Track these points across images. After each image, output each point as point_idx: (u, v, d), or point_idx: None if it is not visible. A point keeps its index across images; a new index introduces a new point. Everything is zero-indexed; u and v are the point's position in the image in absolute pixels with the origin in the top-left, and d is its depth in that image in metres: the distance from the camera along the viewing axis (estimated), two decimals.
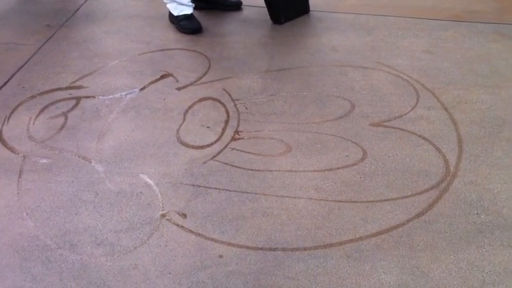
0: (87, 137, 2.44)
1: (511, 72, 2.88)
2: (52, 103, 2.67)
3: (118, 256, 1.86)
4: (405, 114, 2.56)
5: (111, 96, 2.71)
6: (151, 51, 3.13)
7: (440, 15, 3.53)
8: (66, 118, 2.55)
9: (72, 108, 2.63)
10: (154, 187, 2.15)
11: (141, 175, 2.21)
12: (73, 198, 2.10)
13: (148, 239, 1.92)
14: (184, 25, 3.31)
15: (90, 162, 2.29)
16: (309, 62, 3.02)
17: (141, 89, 2.77)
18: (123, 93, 2.73)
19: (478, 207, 2.04)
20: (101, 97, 2.71)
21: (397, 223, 1.98)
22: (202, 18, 3.43)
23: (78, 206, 2.07)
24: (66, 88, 2.79)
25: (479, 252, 1.86)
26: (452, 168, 2.22)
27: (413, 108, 2.60)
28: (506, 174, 2.19)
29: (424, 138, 2.40)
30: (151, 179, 2.19)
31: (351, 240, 1.91)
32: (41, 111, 2.61)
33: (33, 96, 2.72)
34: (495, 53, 3.08)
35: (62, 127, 2.50)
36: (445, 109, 2.59)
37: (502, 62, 2.98)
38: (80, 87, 2.80)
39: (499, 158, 2.28)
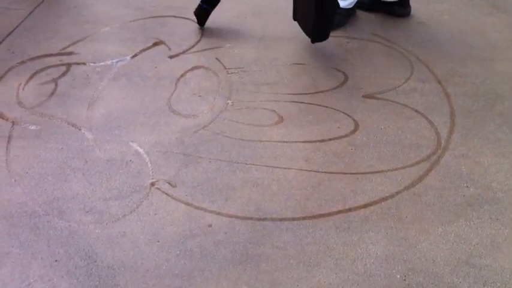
0: (77, 104, 2.41)
1: (505, 45, 2.86)
2: (42, 69, 2.63)
3: (107, 224, 1.86)
4: (399, 87, 2.54)
5: (102, 63, 2.68)
6: (144, 18, 3.09)
7: None
8: (56, 84, 2.52)
9: (63, 74, 2.60)
10: (145, 155, 2.14)
11: (131, 143, 2.19)
12: (62, 165, 2.09)
13: (137, 207, 1.92)
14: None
15: (80, 129, 2.27)
16: (302, 32, 2.98)
17: (133, 57, 2.73)
18: (114, 61, 2.70)
19: (468, 180, 2.04)
20: (91, 64, 2.68)
21: (387, 195, 1.98)
22: None
23: (67, 173, 2.06)
24: (57, 54, 2.75)
25: (467, 225, 1.87)
26: (443, 142, 2.22)
27: (407, 81, 2.58)
28: (497, 148, 2.19)
29: (416, 111, 2.39)
30: (141, 147, 2.17)
31: (340, 211, 1.91)
32: (31, 77, 2.58)
33: (23, 62, 2.69)
34: (490, 26, 3.06)
35: (52, 93, 2.47)
36: (439, 82, 2.57)
37: (496, 35, 2.96)
38: (70, 53, 2.77)
39: (491, 132, 2.27)
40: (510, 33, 2.98)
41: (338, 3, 2.57)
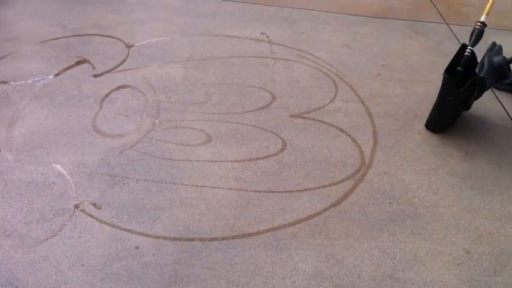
0: None
1: (424, 67, 3.01)
2: None
3: (28, 248, 1.78)
4: (324, 107, 2.61)
5: (23, 82, 2.58)
6: (67, 36, 3.01)
7: (360, 11, 3.63)
8: None
9: None
10: (68, 177, 2.07)
11: (53, 164, 2.12)
12: None
13: (60, 231, 1.85)
14: None
15: None
16: (231, 52, 3.01)
17: (56, 75, 2.65)
18: (36, 79, 2.61)
19: (391, 196, 2.11)
20: (12, 83, 2.58)
21: (314, 212, 2.01)
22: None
23: None
24: None
25: (390, 240, 1.93)
26: (367, 159, 2.29)
27: (332, 101, 2.65)
28: (417, 165, 2.28)
29: (341, 130, 2.45)
30: (64, 169, 2.10)
31: (268, 230, 1.92)
32: None
33: None
34: (410, 49, 3.20)
35: None
36: (362, 102, 2.66)
37: (416, 58, 3.10)
38: None
39: (411, 149, 2.37)
40: (429, 56, 3.14)
41: (464, 107, 2.51)
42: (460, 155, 2.37)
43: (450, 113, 2.51)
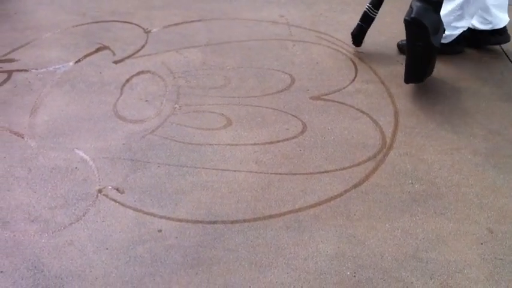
0: (19, 111, 2.34)
1: None
2: None
3: (53, 233, 1.81)
4: (344, 88, 2.59)
5: (44, 70, 2.61)
6: (87, 23, 3.03)
7: None
8: None
9: (4, 82, 2.53)
10: (91, 162, 2.09)
11: (76, 150, 2.15)
12: (5, 175, 2.02)
13: (84, 215, 1.87)
14: None
15: (23, 137, 2.20)
16: (248, 35, 3.00)
17: (76, 62, 2.68)
18: (56, 67, 2.64)
19: (413, 177, 2.09)
20: (33, 70, 2.61)
21: (335, 194, 2.01)
22: None
23: (11, 182, 1.99)
24: None
25: (413, 220, 1.91)
26: (388, 140, 2.27)
27: (351, 82, 2.64)
28: (439, 145, 2.25)
29: (362, 111, 2.44)
30: (87, 154, 2.13)
31: (290, 212, 1.93)
32: None
33: None
34: None
35: None
36: (382, 83, 2.64)
37: None
38: (11, 60, 2.69)
39: (433, 129, 2.34)
40: None
41: (435, 47, 2.43)
42: (482, 134, 2.33)
43: (425, 60, 2.47)
